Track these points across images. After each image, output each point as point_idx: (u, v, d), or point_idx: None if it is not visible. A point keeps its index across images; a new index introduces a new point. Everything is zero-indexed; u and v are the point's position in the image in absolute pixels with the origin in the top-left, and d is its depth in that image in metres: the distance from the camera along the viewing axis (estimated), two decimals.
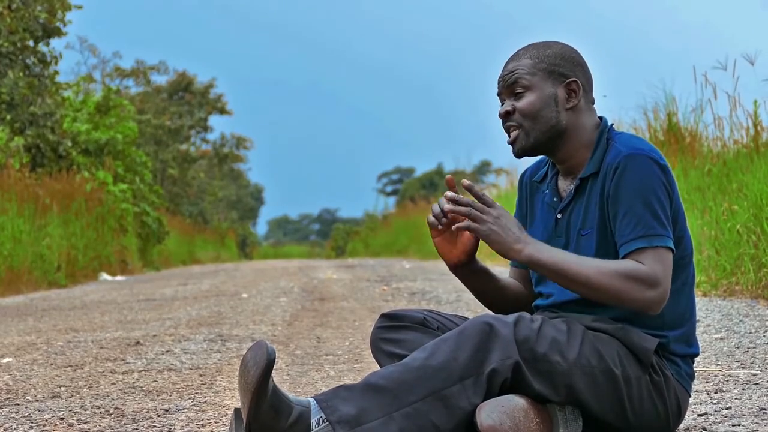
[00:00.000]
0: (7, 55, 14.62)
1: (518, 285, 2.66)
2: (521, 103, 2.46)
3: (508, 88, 2.48)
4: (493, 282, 2.59)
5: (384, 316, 2.55)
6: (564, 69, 2.47)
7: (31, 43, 15.18)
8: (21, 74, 14.66)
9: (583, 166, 2.49)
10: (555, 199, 2.54)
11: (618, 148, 2.41)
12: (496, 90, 2.54)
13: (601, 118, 2.52)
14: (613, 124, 2.52)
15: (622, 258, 2.35)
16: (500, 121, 2.52)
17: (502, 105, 2.52)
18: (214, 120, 32.70)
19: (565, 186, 2.54)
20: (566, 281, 2.36)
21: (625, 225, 2.35)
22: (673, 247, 2.36)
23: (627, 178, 2.36)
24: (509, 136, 2.50)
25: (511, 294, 2.63)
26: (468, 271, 2.55)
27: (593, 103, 2.52)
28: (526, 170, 2.67)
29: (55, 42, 19.36)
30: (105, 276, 14.01)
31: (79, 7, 16.14)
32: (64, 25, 15.70)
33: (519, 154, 2.52)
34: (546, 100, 2.45)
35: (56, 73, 15.60)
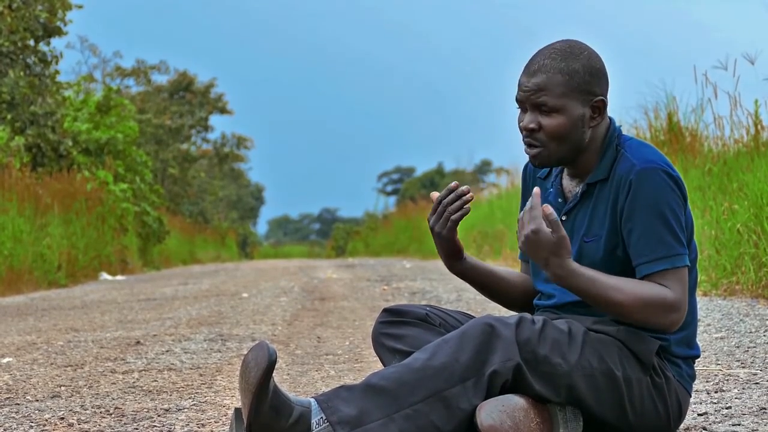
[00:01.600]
0: (8, 54, 14.62)
1: (525, 279, 2.63)
2: (550, 125, 2.37)
3: (535, 103, 2.37)
4: (490, 275, 2.59)
5: (386, 311, 2.54)
6: (592, 86, 2.36)
7: (31, 42, 15.18)
8: (22, 74, 14.66)
9: (590, 169, 2.45)
10: (560, 200, 2.51)
11: (630, 160, 2.37)
12: (516, 95, 2.41)
13: (610, 118, 2.47)
14: (620, 127, 2.48)
15: (642, 279, 2.34)
16: (515, 126, 2.44)
17: (523, 114, 2.41)
18: (214, 119, 32.68)
19: (571, 187, 2.50)
20: (597, 305, 2.36)
21: (644, 244, 2.32)
22: (689, 263, 2.35)
23: (642, 195, 2.33)
24: (529, 150, 2.41)
25: (512, 287, 2.61)
26: (459, 265, 2.55)
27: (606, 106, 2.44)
28: (529, 164, 2.58)
29: (55, 41, 19.39)
30: (105, 275, 14.01)
31: (80, 7, 16.15)
32: (65, 25, 15.70)
33: (538, 168, 2.51)
34: (575, 122, 2.37)
35: (57, 72, 15.60)
